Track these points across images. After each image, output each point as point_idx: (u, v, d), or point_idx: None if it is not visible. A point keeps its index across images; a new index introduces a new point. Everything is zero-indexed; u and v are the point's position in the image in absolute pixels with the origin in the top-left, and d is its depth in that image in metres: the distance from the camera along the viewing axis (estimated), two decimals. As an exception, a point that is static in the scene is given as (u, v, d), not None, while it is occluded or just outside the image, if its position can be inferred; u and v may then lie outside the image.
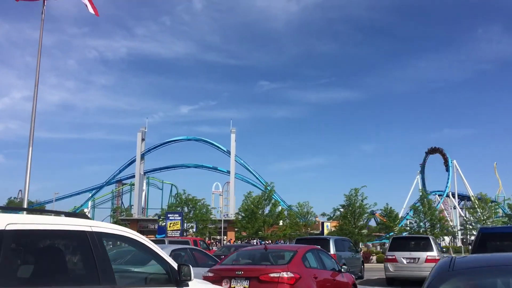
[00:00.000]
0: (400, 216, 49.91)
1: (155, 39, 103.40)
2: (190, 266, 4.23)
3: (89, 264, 3.42)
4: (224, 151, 62.45)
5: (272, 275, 7.12)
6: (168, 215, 30.77)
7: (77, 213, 3.71)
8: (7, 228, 2.84)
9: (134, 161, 62.18)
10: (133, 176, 65.07)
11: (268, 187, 39.84)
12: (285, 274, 7.10)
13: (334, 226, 39.13)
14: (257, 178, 63.32)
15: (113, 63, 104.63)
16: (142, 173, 61.75)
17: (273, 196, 39.74)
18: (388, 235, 49.94)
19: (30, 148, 15.60)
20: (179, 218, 29.76)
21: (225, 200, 75.81)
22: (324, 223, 40.96)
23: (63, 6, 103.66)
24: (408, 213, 65.63)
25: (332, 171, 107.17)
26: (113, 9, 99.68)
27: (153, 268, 4.33)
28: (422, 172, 72.16)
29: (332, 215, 38.03)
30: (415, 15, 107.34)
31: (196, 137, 64.28)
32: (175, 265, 4.21)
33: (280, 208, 40.43)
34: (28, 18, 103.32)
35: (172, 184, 73.30)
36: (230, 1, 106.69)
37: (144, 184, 63.69)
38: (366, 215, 36.25)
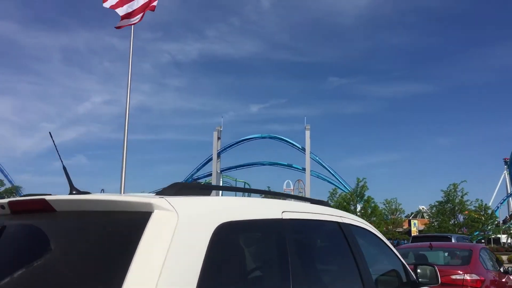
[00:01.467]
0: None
1: (225, 40, 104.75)
2: (435, 266, 3.59)
3: (346, 261, 2.91)
4: (299, 148, 61.90)
5: (454, 277, 6.34)
6: None
7: (323, 201, 3.14)
8: (284, 217, 2.42)
9: (210, 159, 63.28)
10: (209, 175, 66.37)
11: (359, 183, 38.35)
12: (468, 277, 6.32)
13: (425, 224, 37.41)
14: (332, 174, 62.21)
15: (185, 66, 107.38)
16: (219, 171, 62.69)
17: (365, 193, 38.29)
18: (473, 235, 46.87)
19: (125, 150, 15.96)
20: None
21: None
22: (411, 220, 39.27)
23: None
24: (498, 207, 61.53)
25: (406, 166, 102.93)
26: (185, 13, 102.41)
27: (387, 268, 3.67)
28: (511, 167, 67.37)
29: (416, 213, 36.50)
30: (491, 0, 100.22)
31: (270, 135, 64.30)
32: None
33: (372, 205, 38.79)
34: (104, 26, 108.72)
35: (245, 182, 74.06)
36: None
37: (221, 182, 64.64)
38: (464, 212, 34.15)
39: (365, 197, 37.59)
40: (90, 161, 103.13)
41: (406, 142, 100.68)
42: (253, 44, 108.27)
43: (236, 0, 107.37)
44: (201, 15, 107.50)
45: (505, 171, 72.68)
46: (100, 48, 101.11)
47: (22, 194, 53.80)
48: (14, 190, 49.84)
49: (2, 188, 48.61)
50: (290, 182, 75.77)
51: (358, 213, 36.04)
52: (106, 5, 10.53)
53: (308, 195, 59.20)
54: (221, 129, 63.07)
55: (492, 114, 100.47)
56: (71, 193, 2.34)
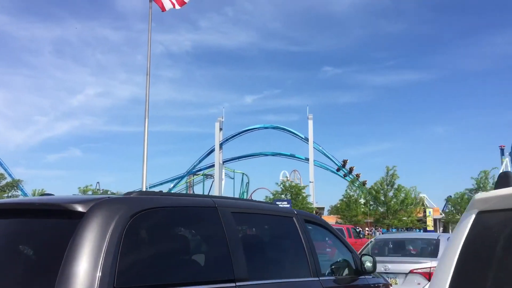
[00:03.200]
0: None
1: (218, 30, 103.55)
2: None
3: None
4: (302, 138, 61.41)
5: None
6: (277, 203, 29.74)
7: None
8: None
9: (212, 151, 62.74)
10: (210, 166, 65.92)
11: (389, 171, 37.61)
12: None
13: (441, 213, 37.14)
14: (336, 164, 61.72)
15: (178, 57, 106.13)
16: (221, 162, 62.14)
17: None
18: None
19: (145, 142, 15.38)
20: (288, 206, 29.11)
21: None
22: (426, 209, 38.91)
23: (130, 3, 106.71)
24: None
25: (402, 156, 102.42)
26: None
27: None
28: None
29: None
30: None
31: (273, 125, 63.73)
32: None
33: (404, 194, 37.41)
34: (97, 17, 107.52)
35: (243, 174, 73.71)
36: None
37: (223, 173, 64.11)
38: None
39: (396, 186, 36.85)
40: (84, 154, 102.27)
41: (401, 131, 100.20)
42: (246, 34, 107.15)
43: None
44: (194, 5, 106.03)
45: (507, 158, 72.41)
46: (92, 40, 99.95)
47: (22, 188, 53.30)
48: (15, 183, 49.21)
49: (3, 182, 47.95)
50: (287, 173, 75.43)
51: (389, 202, 35.43)
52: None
53: (312, 185, 58.73)
54: (223, 119, 62.50)
55: (489, 102, 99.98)
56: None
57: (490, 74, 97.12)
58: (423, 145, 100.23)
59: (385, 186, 35.88)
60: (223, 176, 64.14)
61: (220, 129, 61.53)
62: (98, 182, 61.03)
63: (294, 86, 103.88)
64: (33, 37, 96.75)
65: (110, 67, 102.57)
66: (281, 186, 39.88)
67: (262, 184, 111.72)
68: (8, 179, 50.41)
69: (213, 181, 72.53)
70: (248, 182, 76.11)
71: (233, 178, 74.50)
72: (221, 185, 61.98)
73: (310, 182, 46.93)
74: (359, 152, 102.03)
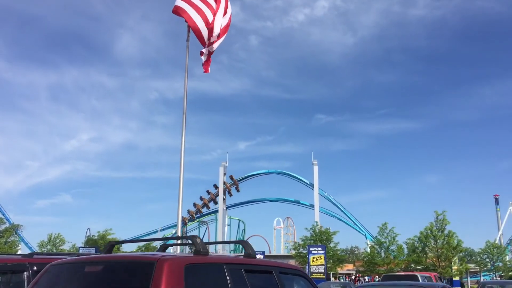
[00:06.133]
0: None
1: (213, 77, 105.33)
2: None
3: None
4: (307, 184, 60.69)
5: None
6: (311, 249, 28.94)
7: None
8: None
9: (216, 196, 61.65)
10: (210, 213, 64.52)
11: (439, 216, 36.65)
12: None
13: None
14: (342, 211, 60.78)
15: (173, 103, 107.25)
16: (225, 208, 60.90)
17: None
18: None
19: (181, 184, 14.74)
20: (322, 252, 27.80)
21: (286, 236, 73.48)
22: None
23: (127, 50, 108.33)
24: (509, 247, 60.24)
25: (395, 204, 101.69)
26: (173, 51, 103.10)
27: None
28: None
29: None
30: (477, 39, 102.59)
31: (277, 170, 63.14)
32: None
33: (457, 240, 36.26)
34: (93, 63, 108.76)
35: (239, 220, 72.26)
36: (285, 36, 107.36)
37: (227, 219, 62.67)
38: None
39: (446, 232, 35.79)
40: (74, 199, 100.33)
41: (394, 180, 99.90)
42: (240, 81, 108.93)
43: (225, 39, 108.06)
44: (189, 53, 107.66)
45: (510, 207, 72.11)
46: (88, 86, 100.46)
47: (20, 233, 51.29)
48: (14, 228, 47.52)
49: (3, 227, 46.29)
50: (280, 220, 74.13)
51: (439, 249, 34.39)
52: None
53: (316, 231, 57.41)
54: (227, 164, 61.83)
55: (479, 151, 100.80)
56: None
57: (481, 124, 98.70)
58: (415, 193, 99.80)
59: (436, 232, 34.85)
60: (226, 222, 62.66)
61: (224, 174, 60.73)
62: (88, 228, 59.45)
63: (287, 132, 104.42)
64: (29, 83, 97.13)
65: (105, 112, 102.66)
66: (311, 231, 38.55)
67: (256, 231, 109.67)
68: (7, 225, 48.74)
69: (206, 228, 70.99)
70: (244, 229, 74.69)
71: (230, 225, 73.01)
72: (225, 231, 60.44)
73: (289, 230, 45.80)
74: (353, 198, 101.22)
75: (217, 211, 62.59)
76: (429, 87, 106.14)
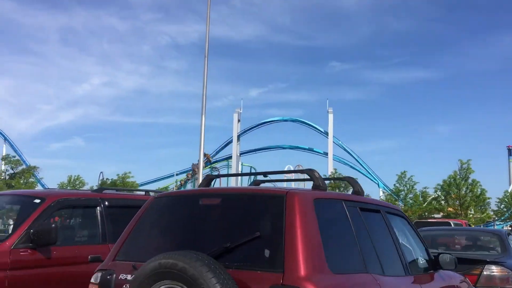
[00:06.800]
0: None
1: (226, 22, 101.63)
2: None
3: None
4: (321, 131, 60.35)
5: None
6: None
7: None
8: None
9: (229, 142, 61.66)
10: (229, 157, 64.84)
11: (463, 165, 36.17)
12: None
13: None
14: (355, 159, 60.75)
15: (185, 48, 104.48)
16: (238, 154, 61.07)
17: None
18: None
19: (202, 127, 14.30)
20: None
21: (295, 183, 73.24)
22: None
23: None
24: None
25: (404, 154, 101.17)
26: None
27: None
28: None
29: None
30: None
31: (292, 118, 62.58)
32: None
33: (480, 189, 35.92)
34: (103, 5, 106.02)
35: (251, 167, 72.54)
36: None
37: (240, 165, 62.94)
38: None
39: (470, 180, 35.66)
40: (87, 143, 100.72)
41: (405, 130, 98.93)
42: (254, 27, 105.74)
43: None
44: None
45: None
46: (98, 29, 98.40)
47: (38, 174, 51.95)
48: (31, 169, 48.06)
49: (20, 168, 46.87)
50: (291, 167, 74.26)
51: (462, 198, 34.43)
52: None
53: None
54: (241, 111, 61.35)
55: (495, 102, 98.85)
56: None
57: (498, 74, 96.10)
58: (427, 143, 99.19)
59: (460, 181, 34.77)
60: (239, 168, 63.00)
61: (238, 120, 60.40)
62: (101, 172, 60.14)
63: (300, 80, 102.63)
64: (39, 25, 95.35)
65: (116, 57, 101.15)
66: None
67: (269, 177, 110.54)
68: (23, 166, 49.30)
69: (218, 173, 71.54)
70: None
71: (241, 171, 73.50)
72: (237, 178, 60.93)
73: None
74: (364, 148, 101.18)
75: (229, 157, 62.91)
76: (446, 35, 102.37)
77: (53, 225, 4.36)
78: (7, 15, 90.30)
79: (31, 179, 47.73)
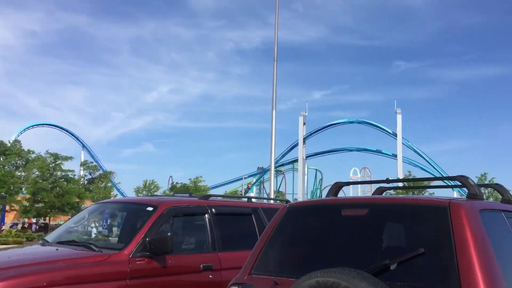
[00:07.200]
0: None
1: (287, 26, 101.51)
2: None
3: None
4: (389, 133, 58.44)
5: None
6: None
7: None
8: None
9: (295, 145, 61.37)
10: (291, 162, 64.64)
11: None
12: None
13: None
14: (427, 161, 58.26)
15: (248, 53, 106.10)
16: (305, 157, 60.57)
17: None
18: None
19: (273, 130, 14.00)
20: None
21: (362, 186, 71.15)
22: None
23: (201, 0, 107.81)
24: None
25: (478, 155, 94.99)
26: (247, 0, 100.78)
27: None
28: None
29: None
30: None
31: (358, 120, 61.21)
32: None
33: None
34: (171, 15, 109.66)
35: (316, 170, 71.65)
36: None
37: (306, 168, 62.41)
38: None
39: None
40: (156, 149, 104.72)
41: (477, 129, 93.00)
42: (316, 29, 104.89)
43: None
44: (264, 1, 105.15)
45: None
46: (166, 38, 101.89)
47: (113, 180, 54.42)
48: (107, 174, 50.39)
49: (97, 173, 49.28)
50: (357, 170, 72.21)
51: None
52: None
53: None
54: (306, 114, 60.86)
55: None
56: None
57: None
58: (501, 143, 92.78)
59: None
60: (306, 171, 62.46)
61: (304, 123, 59.94)
62: (171, 176, 61.79)
63: (364, 81, 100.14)
64: (111, 37, 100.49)
65: (183, 64, 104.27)
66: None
67: (333, 180, 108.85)
68: (100, 171, 51.78)
69: (283, 177, 71.31)
70: (321, 178, 74.16)
71: (307, 174, 72.78)
72: (305, 181, 60.44)
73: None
74: (435, 148, 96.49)
75: (295, 160, 62.53)
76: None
77: (169, 234, 4.34)
78: (82, 29, 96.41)
79: (108, 184, 50.04)
